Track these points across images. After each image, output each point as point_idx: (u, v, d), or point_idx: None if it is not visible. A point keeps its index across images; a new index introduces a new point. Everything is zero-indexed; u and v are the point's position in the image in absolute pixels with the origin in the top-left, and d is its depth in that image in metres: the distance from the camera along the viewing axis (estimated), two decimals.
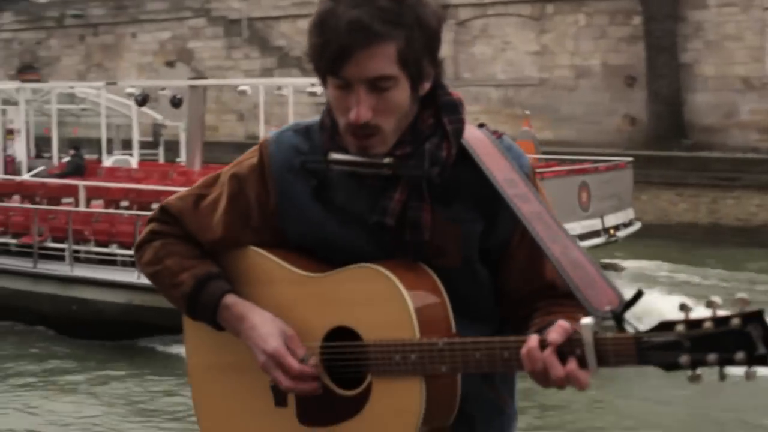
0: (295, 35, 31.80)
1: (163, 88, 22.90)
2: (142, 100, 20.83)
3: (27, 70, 38.53)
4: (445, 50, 29.10)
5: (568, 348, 1.90)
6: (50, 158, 21.66)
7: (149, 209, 14.87)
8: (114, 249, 14.97)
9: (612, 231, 15.39)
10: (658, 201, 23.26)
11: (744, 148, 23.82)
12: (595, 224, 14.99)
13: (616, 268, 16.41)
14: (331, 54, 1.98)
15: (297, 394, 2.14)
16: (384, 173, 2.06)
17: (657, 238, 21.19)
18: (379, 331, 2.06)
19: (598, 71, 26.72)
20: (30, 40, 38.91)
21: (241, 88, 23.49)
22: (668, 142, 24.40)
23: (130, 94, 21.28)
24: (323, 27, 2.00)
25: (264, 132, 20.22)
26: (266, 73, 32.08)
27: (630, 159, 17.81)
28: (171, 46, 34.74)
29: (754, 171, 22.14)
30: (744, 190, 22.18)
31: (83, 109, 25.00)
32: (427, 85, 2.07)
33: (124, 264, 14.67)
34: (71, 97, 24.40)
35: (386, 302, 2.04)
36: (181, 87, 22.37)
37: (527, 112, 22.90)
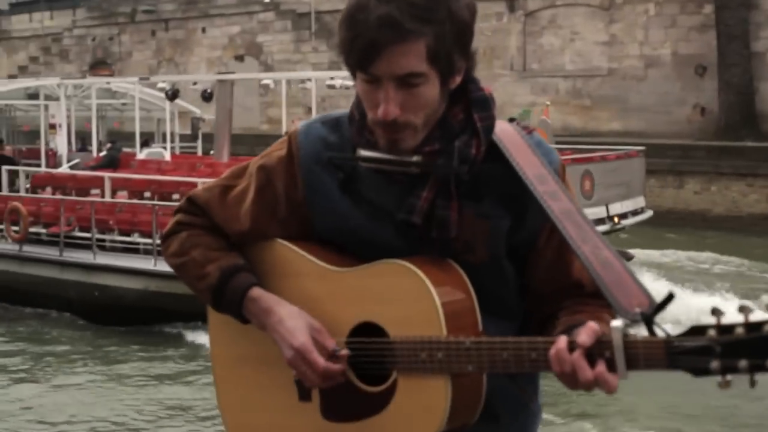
0: None
1: (195, 83, 23.44)
2: (173, 95, 21.41)
3: (100, 66, 39.14)
4: (514, 41, 29.13)
5: (597, 350, 1.87)
6: (90, 151, 22.47)
7: (170, 200, 15.68)
8: (136, 238, 15.53)
9: (617, 219, 15.23)
10: (728, 192, 22.95)
11: None
12: (599, 212, 14.89)
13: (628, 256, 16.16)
14: (360, 49, 1.94)
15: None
16: (412, 171, 2.03)
17: (726, 231, 20.97)
18: (405, 327, 2.03)
19: (667, 61, 26.41)
20: (103, 35, 39.52)
21: (264, 81, 24.37)
22: (739, 132, 24.07)
23: (161, 89, 21.94)
24: (353, 21, 1.94)
25: (287, 125, 20.58)
26: (333, 65, 32.19)
27: (642, 148, 17.71)
28: (240, 40, 35.05)
29: None
30: None
31: (123, 104, 25.82)
32: (458, 79, 2.02)
33: (146, 252, 15.18)
34: (111, 92, 25.11)
35: (413, 299, 2.02)
36: (212, 81, 22.77)
37: (547, 102, 22.98)
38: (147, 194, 17.07)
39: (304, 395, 2.18)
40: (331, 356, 2.07)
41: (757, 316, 1.79)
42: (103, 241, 15.64)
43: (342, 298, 2.12)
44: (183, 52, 36.74)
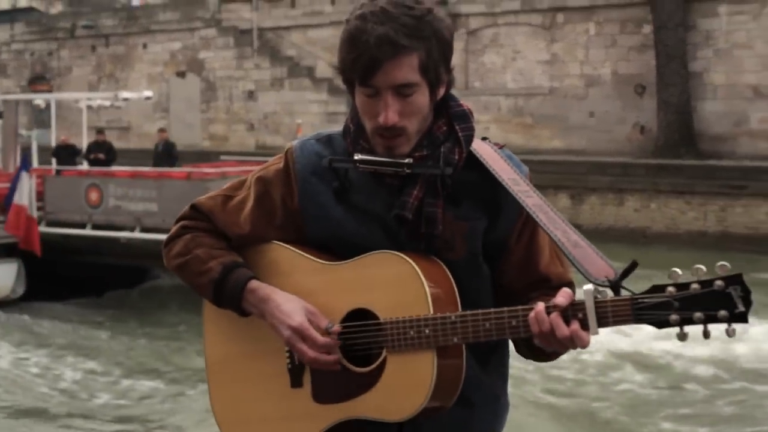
0: (306, 45, 31.92)
1: None
2: None
3: (38, 81, 38.73)
4: (456, 59, 29.06)
5: (571, 311, 2.15)
6: None
7: None
8: None
9: None
10: (667, 209, 23.26)
11: (753, 157, 23.78)
12: None
13: None
14: (363, 65, 2.23)
15: (318, 368, 2.31)
16: (404, 172, 2.30)
17: (665, 247, 21.23)
18: (395, 310, 2.27)
19: (608, 80, 26.73)
20: (42, 50, 39.11)
21: (36, 102, 25.93)
22: (678, 151, 24.41)
23: None
24: (355, 42, 2.24)
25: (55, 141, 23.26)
26: (276, 83, 32.18)
27: None
28: (182, 56, 34.88)
29: (763, 179, 22.06)
30: (753, 198, 22.13)
31: None
32: (442, 91, 2.34)
33: None
34: None
35: (403, 283, 2.26)
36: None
37: (299, 121, 25.46)
38: None
39: (297, 381, 2.38)
40: (325, 333, 2.30)
41: (708, 274, 2.07)
42: None
43: (334, 288, 2.35)
44: (124, 68, 36.49)
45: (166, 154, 23.48)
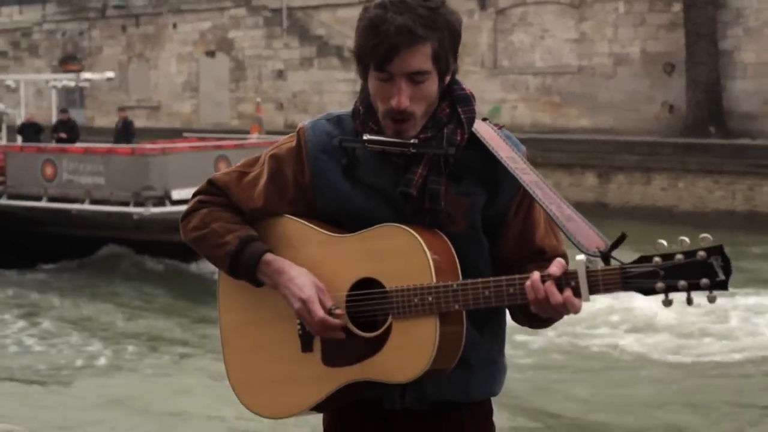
0: (335, 24, 31.97)
1: None
2: None
3: (69, 61, 39.00)
4: (485, 38, 29.31)
5: (564, 280, 2.31)
6: None
7: None
8: None
9: None
10: (694, 188, 23.21)
11: None
12: None
13: None
14: (382, 52, 2.38)
15: (325, 335, 2.47)
16: (410, 151, 2.45)
17: (692, 227, 21.20)
18: (400, 278, 2.42)
19: (637, 58, 26.64)
20: (73, 30, 39.38)
21: (6, 82, 27.04)
22: (706, 130, 24.33)
23: None
24: (376, 30, 2.39)
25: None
26: (305, 62, 32.29)
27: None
28: (211, 36, 35.03)
29: None
30: None
31: None
32: (448, 78, 2.49)
33: None
34: None
35: (408, 253, 2.42)
36: None
37: (258, 99, 26.98)
38: None
39: (307, 346, 2.53)
40: (329, 313, 2.44)
41: (692, 246, 2.23)
42: None
43: (343, 258, 2.50)
44: (154, 48, 36.70)
45: (124, 131, 24.82)
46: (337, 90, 31.02)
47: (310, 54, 32.26)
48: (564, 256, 2.50)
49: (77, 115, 37.31)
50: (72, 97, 38.49)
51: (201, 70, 35.19)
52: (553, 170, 23.74)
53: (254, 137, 22.03)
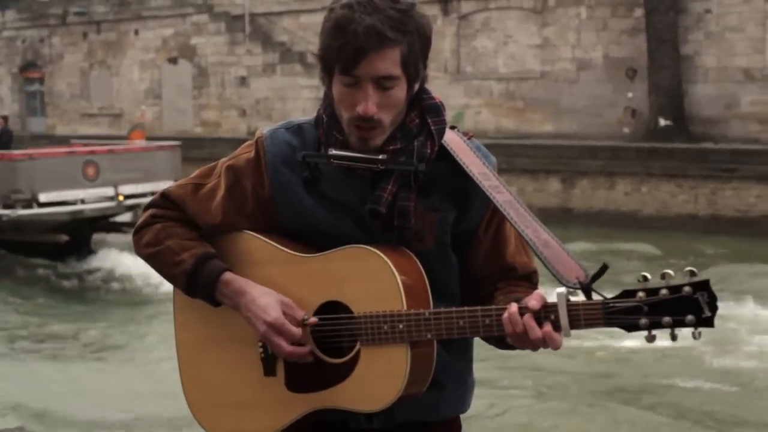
0: (298, 30, 31.86)
1: None
2: None
3: (30, 68, 38.65)
4: (448, 44, 29.30)
5: (543, 313, 2.20)
6: None
7: None
8: None
9: (122, 197, 19.38)
10: (657, 193, 23.30)
11: (744, 140, 23.80)
12: (107, 191, 19.33)
13: None
14: (349, 54, 2.24)
15: (293, 361, 2.34)
16: (378, 168, 2.32)
17: (656, 231, 21.29)
18: (368, 304, 2.30)
19: (599, 64, 26.73)
20: (33, 37, 39.00)
21: None
22: (669, 134, 24.45)
23: None
24: (343, 31, 2.25)
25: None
26: (268, 68, 32.15)
27: (176, 143, 22.12)
28: (173, 42, 34.81)
29: (753, 162, 22.05)
30: (743, 181, 22.15)
31: None
32: (417, 86, 2.36)
33: None
34: None
35: (377, 278, 2.28)
36: None
37: (143, 107, 28.57)
38: None
39: (270, 370, 2.40)
40: (301, 325, 2.32)
41: (677, 280, 2.16)
42: None
43: (307, 280, 2.36)
44: (116, 55, 36.41)
45: (2, 138, 25.49)
46: (300, 96, 30.91)
47: (273, 60, 32.13)
48: (534, 273, 2.44)
49: (38, 123, 37.07)
50: (33, 104, 38.16)
51: (163, 77, 34.95)
52: (517, 176, 23.80)
53: (137, 143, 23.17)
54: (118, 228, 20.88)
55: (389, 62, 2.26)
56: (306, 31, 31.34)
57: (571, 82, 27.12)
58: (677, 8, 25.10)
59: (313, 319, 2.33)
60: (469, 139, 2.45)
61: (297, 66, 31.25)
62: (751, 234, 20.88)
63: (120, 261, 18.55)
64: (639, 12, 25.80)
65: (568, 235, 19.01)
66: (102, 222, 20.50)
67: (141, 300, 16.59)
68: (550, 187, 24.57)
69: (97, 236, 20.55)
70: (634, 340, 11.58)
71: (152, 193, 23.01)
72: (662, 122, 24.40)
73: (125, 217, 20.55)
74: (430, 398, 2.41)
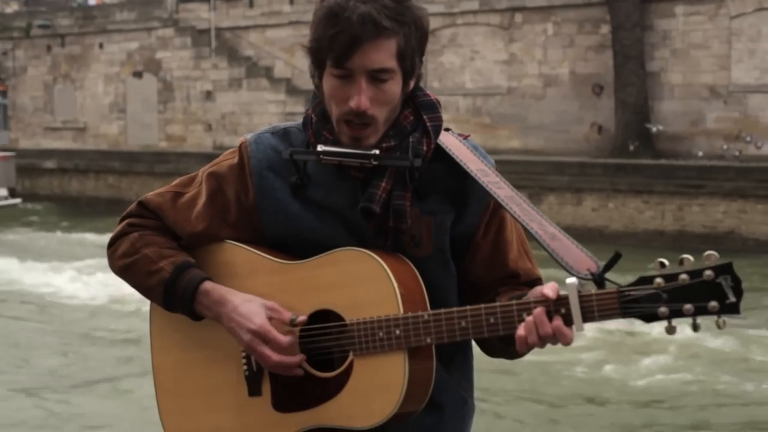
0: (264, 45, 31.74)
1: None
2: None
3: None
4: None
5: (554, 307, 2.03)
6: None
7: None
8: None
9: None
10: (624, 209, 23.37)
11: (710, 156, 23.95)
12: None
13: None
14: (342, 43, 2.11)
15: (281, 373, 2.16)
16: (371, 164, 2.17)
17: (623, 246, 21.30)
18: (361, 310, 2.13)
19: (566, 80, 26.81)
20: None
21: None
22: (635, 150, 24.53)
23: None
24: (336, 19, 2.11)
25: None
26: (234, 83, 32.00)
27: (11, 153, 24.49)
28: (138, 56, 34.58)
29: (720, 178, 22.22)
30: (709, 197, 22.28)
31: None
32: (412, 83, 2.23)
33: None
34: None
35: (370, 281, 2.12)
36: None
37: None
38: None
39: (255, 390, 2.22)
40: (290, 325, 2.16)
41: (697, 265, 1.98)
42: None
43: (295, 289, 2.19)
44: (80, 68, 36.11)
45: None
46: (266, 111, 30.74)
47: (239, 75, 31.97)
48: (539, 281, 2.26)
49: (1, 137, 36.62)
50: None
51: (128, 91, 34.70)
52: None
53: None
54: None
55: (384, 54, 2.13)
56: (272, 45, 31.23)
57: (538, 98, 27.17)
58: (643, 25, 25.23)
59: (303, 318, 2.17)
60: (465, 139, 2.33)
61: (263, 81, 31.11)
62: (718, 250, 20.26)
63: None
64: (605, 29, 25.90)
65: (535, 253, 18.91)
66: None
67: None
68: None
69: None
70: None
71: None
72: (631, 147, 24.43)
73: None
74: (429, 421, 2.25)
